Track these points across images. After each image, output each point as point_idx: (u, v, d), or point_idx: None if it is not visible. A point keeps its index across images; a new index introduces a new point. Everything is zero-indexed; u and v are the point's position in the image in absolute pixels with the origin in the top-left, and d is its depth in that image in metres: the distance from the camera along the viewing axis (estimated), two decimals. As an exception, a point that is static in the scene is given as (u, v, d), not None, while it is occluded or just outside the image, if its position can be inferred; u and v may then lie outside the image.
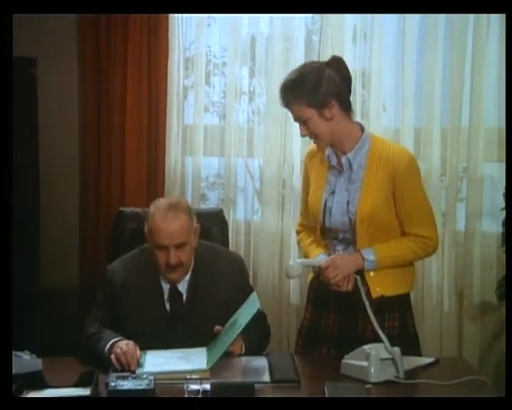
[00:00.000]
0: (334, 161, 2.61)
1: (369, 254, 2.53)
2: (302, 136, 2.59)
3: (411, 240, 2.56)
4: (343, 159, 2.58)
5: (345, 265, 2.52)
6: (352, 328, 2.60)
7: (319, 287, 2.67)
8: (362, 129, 2.61)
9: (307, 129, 2.54)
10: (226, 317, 2.54)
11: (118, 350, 2.40)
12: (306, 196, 2.72)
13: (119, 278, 2.65)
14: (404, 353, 2.43)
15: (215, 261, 2.70)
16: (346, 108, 2.56)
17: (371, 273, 2.56)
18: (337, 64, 2.55)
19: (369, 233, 2.54)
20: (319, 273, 2.57)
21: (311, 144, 2.70)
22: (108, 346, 2.45)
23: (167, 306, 2.64)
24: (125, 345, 2.42)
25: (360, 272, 2.54)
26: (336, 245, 2.61)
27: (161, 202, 2.62)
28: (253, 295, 2.52)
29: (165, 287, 2.65)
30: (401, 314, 2.62)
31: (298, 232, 2.82)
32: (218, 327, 2.52)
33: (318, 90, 2.48)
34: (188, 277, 2.65)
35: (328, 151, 2.62)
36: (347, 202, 2.56)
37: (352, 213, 2.54)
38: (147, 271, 2.66)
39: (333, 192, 2.60)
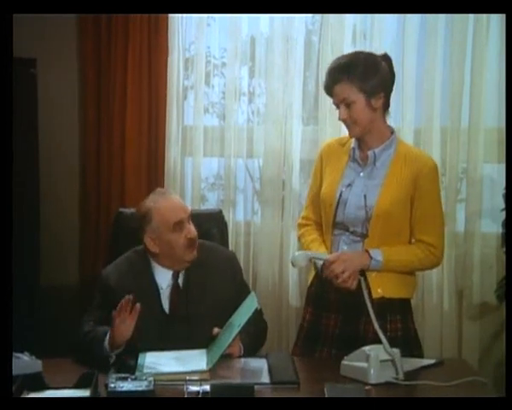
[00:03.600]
0: (357, 155, 2.62)
1: (377, 255, 2.54)
2: (340, 119, 2.58)
3: (419, 248, 2.58)
4: (369, 153, 2.59)
5: (351, 261, 2.53)
6: (353, 329, 2.61)
7: (320, 287, 2.67)
8: (392, 132, 2.64)
9: (348, 113, 2.54)
10: (221, 312, 2.55)
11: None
12: (316, 189, 2.72)
13: (115, 281, 2.66)
14: (407, 355, 2.43)
15: (208, 258, 2.72)
16: (387, 105, 2.61)
17: (373, 274, 2.56)
18: (388, 61, 2.60)
19: (381, 231, 2.56)
20: (323, 269, 2.57)
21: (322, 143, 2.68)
22: (108, 337, 2.44)
23: (165, 304, 2.65)
24: None
25: (363, 273, 2.55)
26: (344, 238, 2.61)
27: (153, 196, 2.73)
28: (252, 295, 2.52)
29: (164, 283, 2.66)
30: (403, 317, 2.63)
31: (300, 226, 2.80)
32: (216, 329, 2.53)
33: (374, 78, 2.52)
34: (182, 272, 2.68)
35: (353, 144, 2.63)
36: (365, 196, 2.56)
37: (368, 208, 2.55)
38: (142, 272, 2.67)
39: (349, 185, 2.60)
